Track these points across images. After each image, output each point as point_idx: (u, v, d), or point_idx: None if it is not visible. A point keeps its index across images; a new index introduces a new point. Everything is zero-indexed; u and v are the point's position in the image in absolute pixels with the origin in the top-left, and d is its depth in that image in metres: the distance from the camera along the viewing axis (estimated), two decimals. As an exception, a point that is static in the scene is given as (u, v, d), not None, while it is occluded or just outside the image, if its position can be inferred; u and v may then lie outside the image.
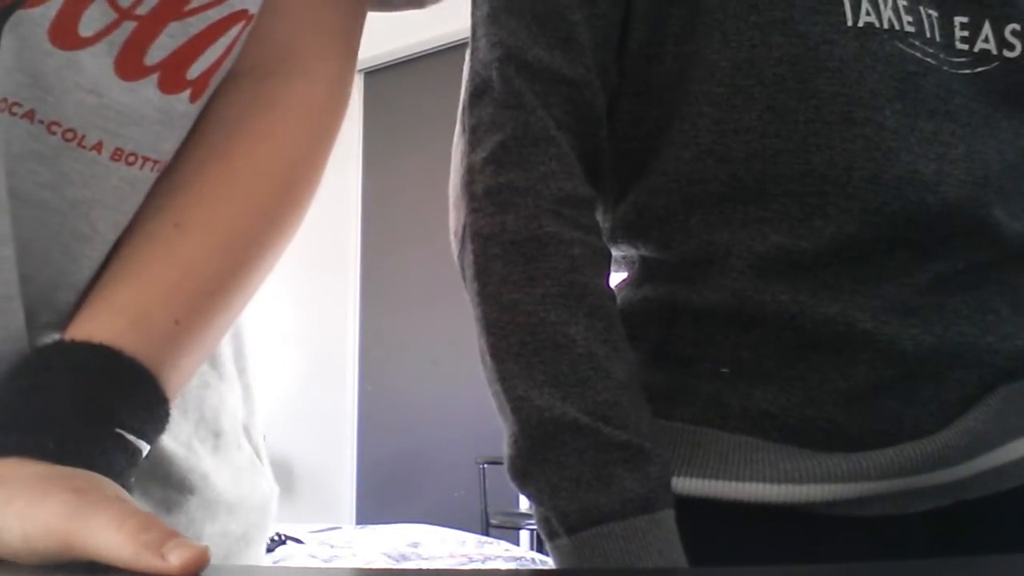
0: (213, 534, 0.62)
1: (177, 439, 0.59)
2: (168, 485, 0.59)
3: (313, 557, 2.70)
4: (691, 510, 0.57)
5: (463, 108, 0.62)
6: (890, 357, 0.58)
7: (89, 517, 0.41)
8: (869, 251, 0.59)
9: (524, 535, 3.95)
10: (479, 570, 0.50)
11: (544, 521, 0.55)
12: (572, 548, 0.53)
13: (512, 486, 0.57)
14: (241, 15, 0.52)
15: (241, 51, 0.55)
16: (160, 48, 0.51)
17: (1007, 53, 0.63)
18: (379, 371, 4.65)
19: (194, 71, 0.52)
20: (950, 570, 0.38)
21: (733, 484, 0.59)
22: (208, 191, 0.54)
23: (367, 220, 4.75)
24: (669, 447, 0.60)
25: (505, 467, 0.57)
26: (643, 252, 0.65)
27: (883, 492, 0.59)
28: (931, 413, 0.59)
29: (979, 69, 0.63)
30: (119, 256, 0.53)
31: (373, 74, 4.85)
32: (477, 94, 0.62)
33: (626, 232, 0.65)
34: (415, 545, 2.78)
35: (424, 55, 4.69)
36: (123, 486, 0.46)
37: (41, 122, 0.49)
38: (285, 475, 4.34)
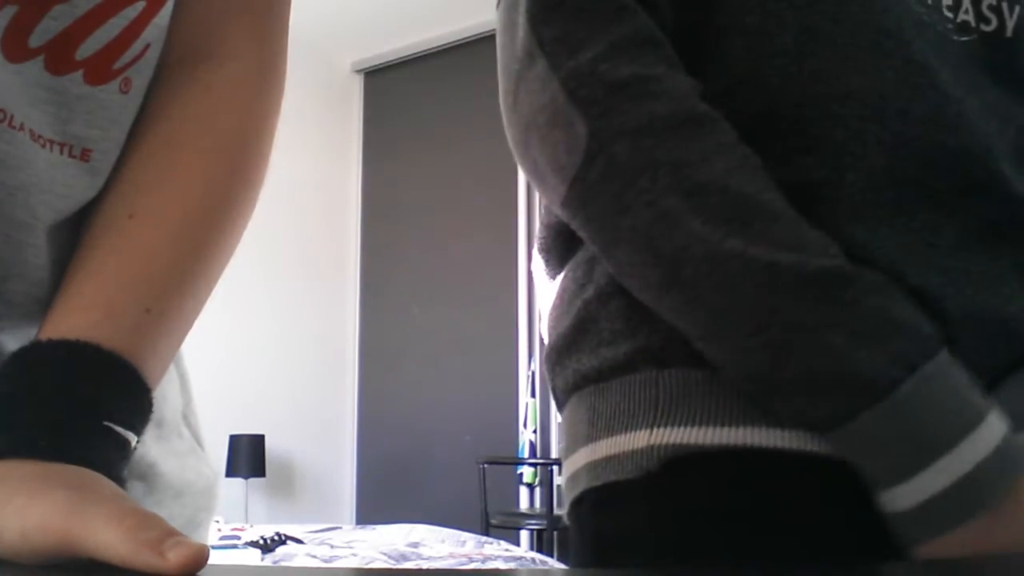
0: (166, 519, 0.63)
1: None
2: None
3: (313, 557, 2.70)
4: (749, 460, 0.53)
5: (531, 22, 0.57)
6: (938, 317, 0.55)
7: (87, 514, 0.41)
8: (899, 198, 0.57)
9: (524, 535, 3.95)
10: (479, 570, 0.49)
11: (838, 401, 0.49)
12: (897, 408, 0.48)
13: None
14: None
15: (171, 41, 0.56)
16: (45, 30, 0.51)
17: (983, 27, 0.62)
18: (379, 371, 4.65)
19: (83, 52, 0.52)
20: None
21: (775, 431, 0.54)
22: (156, 179, 0.54)
23: (367, 220, 4.75)
24: (721, 397, 0.55)
25: (751, 366, 0.51)
26: None
27: None
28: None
29: (963, 38, 0.62)
30: (80, 250, 0.54)
31: (373, 74, 4.85)
32: (553, 5, 0.56)
33: None
34: (415, 545, 2.78)
35: (424, 55, 4.69)
36: (116, 480, 0.47)
37: None
38: (285, 475, 4.33)
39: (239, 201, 0.57)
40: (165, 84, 0.57)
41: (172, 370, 0.66)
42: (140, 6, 0.53)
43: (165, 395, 0.64)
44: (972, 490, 0.47)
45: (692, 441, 0.56)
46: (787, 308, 0.50)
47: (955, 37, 0.61)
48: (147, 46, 0.55)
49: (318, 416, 4.58)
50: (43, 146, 0.52)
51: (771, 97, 0.57)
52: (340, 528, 3.35)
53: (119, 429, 0.48)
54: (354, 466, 4.60)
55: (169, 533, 0.40)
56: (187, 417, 0.68)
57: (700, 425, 0.56)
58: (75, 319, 0.50)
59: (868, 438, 0.49)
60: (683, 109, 0.53)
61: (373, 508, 4.42)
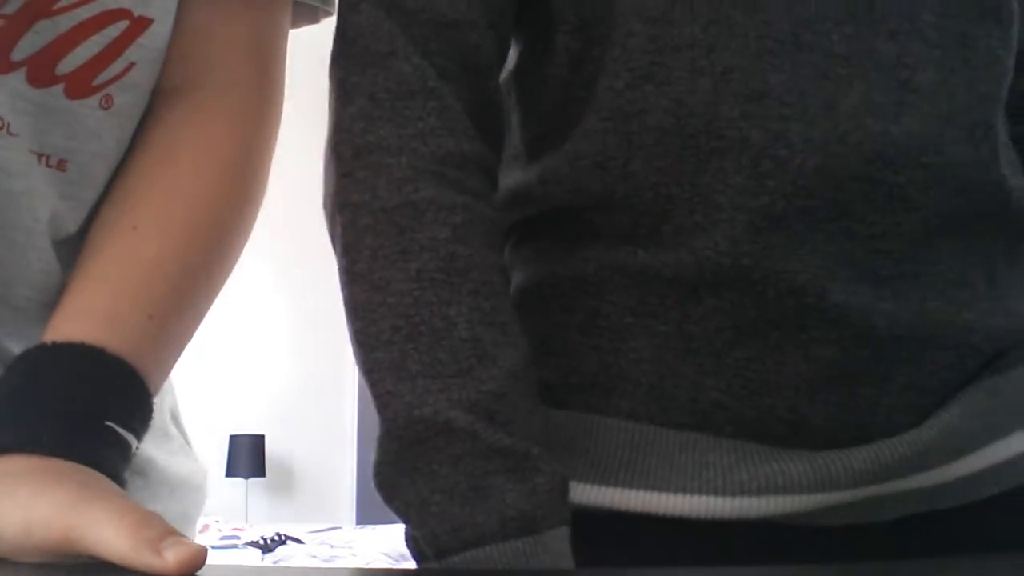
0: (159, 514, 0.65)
1: None
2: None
3: (313, 557, 2.70)
4: (631, 523, 0.51)
5: (332, 61, 0.55)
6: (862, 336, 0.51)
7: (89, 511, 0.41)
8: (843, 198, 0.52)
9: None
10: (479, 570, 0.49)
11: (412, 541, 0.48)
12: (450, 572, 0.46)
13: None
14: (119, 14, 0.54)
15: (172, 68, 0.58)
16: (28, 44, 0.52)
17: None
18: (379, 371, 4.64)
19: (64, 67, 0.54)
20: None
21: (680, 497, 0.52)
22: (159, 195, 0.56)
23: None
24: (604, 448, 0.53)
25: (371, 476, 0.50)
26: (579, 207, 0.56)
27: (850, 501, 0.52)
28: (907, 403, 0.52)
29: None
30: (83, 259, 0.55)
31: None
32: (346, 42, 0.54)
33: (558, 186, 0.56)
34: (415, 545, 2.76)
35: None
36: (116, 480, 0.47)
37: None
38: (285, 475, 4.33)
39: (239, 218, 0.59)
40: (167, 107, 0.58)
41: None
42: (123, 25, 0.54)
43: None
44: None
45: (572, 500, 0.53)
46: (387, 443, 0.48)
47: None
48: (131, 64, 0.56)
49: (318, 416, 4.58)
50: (30, 153, 0.53)
51: (680, 92, 0.52)
52: (340, 528, 3.34)
53: (121, 430, 0.48)
54: (354, 466, 4.60)
55: (168, 532, 0.40)
56: (175, 417, 0.69)
57: (579, 481, 0.54)
58: (78, 324, 0.50)
59: None
60: (404, 192, 0.50)
61: (373, 508, 4.42)
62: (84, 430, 0.47)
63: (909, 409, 0.52)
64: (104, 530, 0.40)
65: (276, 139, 0.62)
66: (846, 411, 0.52)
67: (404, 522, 0.48)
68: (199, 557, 0.39)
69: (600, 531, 0.50)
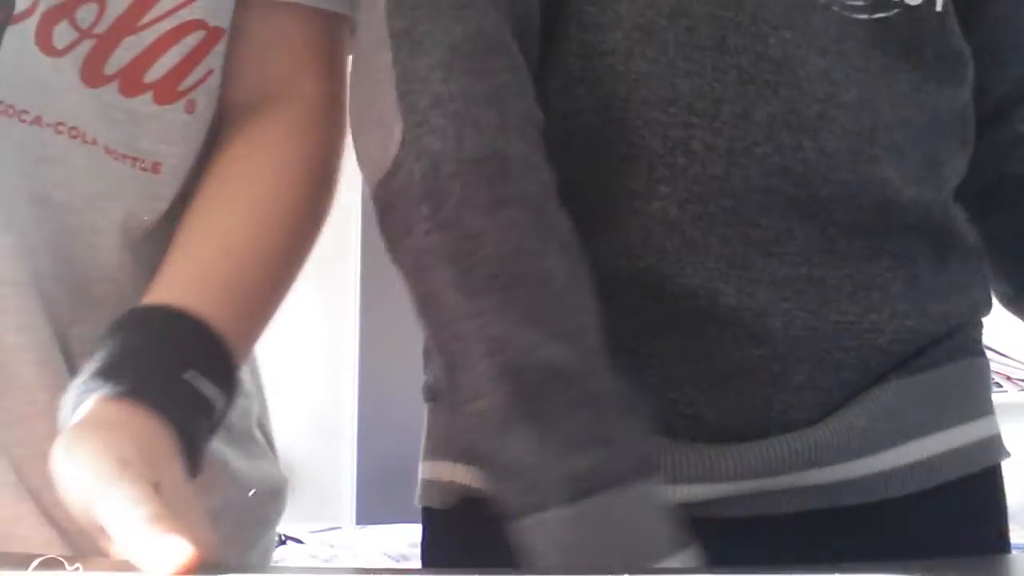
0: (232, 520, 0.67)
1: None
2: None
3: (313, 557, 2.70)
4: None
5: (386, 11, 0.54)
6: (757, 336, 0.53)
7: (113, 489, 0.44)
8: (738, 206, 0.53)
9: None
10: (479, 570, 0.49)
11: (522, 490, 0.47)
12: (568, 521, 0.46)
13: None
14: (195, 24, 0.59)
15: (250, 83, 0.64)
16: (118, 60, 0.58)
17: (909, 1, 0.58)
18: (379, 371, 4.64)
19: (151, 75, 0.59)
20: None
21: None
22: (244, 188, 0.61)
23: (367, 218, 4.73)
24: None
25: (462, 429, 0.49)
26: None
27: (744, 492, 0.54)
28: (804, 401, 0.54)
29: (878, 15, 0.57)
30: (174, 241, 0.59)
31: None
32: None
33: None
34: (415, 545, 2.76)
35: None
36: (189, 433, 0.50)
37: (48, 125, 0.57)
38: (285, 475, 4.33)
39: (313, 212, 0.65)
40: (249, 118, 0.64)
41: (246, 380, 0.72)
42: (200, 35, 0.60)
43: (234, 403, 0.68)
44: None
45: (479, 484, 0.55)
46: (500, 388, 0.47)
47: (862, 16, 0.56)
48: (210, 71, 0.61)
49: (318, 415, 4.58)
50: (116, 159, 0.59)
51: (604, 95, 0.54)
52: (340, 528, 3.34)
53: (198, 384, 0.52)
54: (354, 465, 4.60)
55: (172, 529, 0.41)
56: (262, 424, 0.76)
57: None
58: (163, 292, 0.56)
59: (540, 536, 0.46)
60: (494, 144, 0.50)
61: (374, 508, 4.41)
62: (161, 379, 0.51)
63: (806, 407, 0.54)
64: (117, 511, 0.43)
65: (344, 143, 0.66)
66: (742, 408, 0.54)
67: (512, 472, 0.47)
68: (191, 559, 0.40)
69: (497, 518, 0.50)
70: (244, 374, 0.71)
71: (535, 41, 0.56)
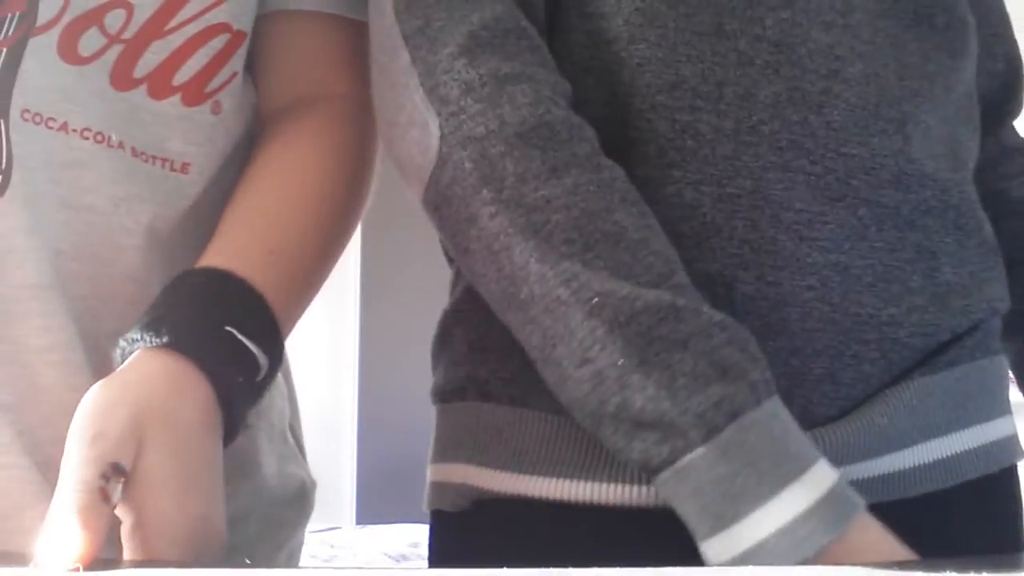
0: (262, 522, 0.69)
1: None
2: (225, 471, 0.62)
3: (313, 557, 2.69)
4: (548, 511, 0.52)
5: (396, 15, 0.55)
6: (773, 327, 0.53)
7: (67, 470, 0.45)
8: (761, 187, 0.53)
9: (525, 535, 3.94)
10: (480, 570, 0.49)
11: (658, 441, 0.45)
12: (715, 455, 0.44)
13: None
14: (220, 28, 0.61)
15: (283, 88, 0.66)
16: (146, 64, 0.60)
17: None
18: (379, 371, 4.64)
19: (179, 78, 0.61)
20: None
21: (593, 485, 0.53)
22: (284, 176, 0.63)
23: (368, 217, 4.73)
24: (526, 439, 0.54)
25: (578, 396, 0.47)
26: None
27: None
28: (824, 395, 0.54)
29: None
30: (224, 215, 0.61)
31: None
32: None
33: None
34: (415, 545, 2.77)
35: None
36: (226, 387, 0.52)
37: (75, 131, 0.58)
38: (285, 475, 4.33)
39: (349, 200, 0.67)
40: (284, 122, 0.66)
41: (281, 384, 0.74)
42: (225, 38, 0.61)
43: (274, 403, 0.72)
44: (790, 544, 0.43)
45: (495, 488, 0.54)
46: (611, 344, 0.46)
47: None
48: (234, 73, 0.63)
49: (318, 416, 4.57)
50: (144, 161, 0.60)
51: (610, 83, 0.54)
52: (340, 528, 3.34)
53: (240, 336, 0.53)
54: (354, 465, 4.60)
55: (82, 524, 0.42)
56: (293, 428, 0.77)
57: (501, 470, 0.55)
58: (210, 259, 0.58)
59: (685, 485, 0.45)
60: (536, 115, 0.50)
61: (374, 508, 4.41)
62: (200, 332, 0.52)
63: (826, 402, 0.54)
64: (61, 490, 0.44)
65: (377, 143, 0.70)
66: None
67: (641, 425, 0.46)
68: (75, 562, 0.40)
69: (517, 518, 0.50)
70: (279, 378, 0.72)
71: (543, 31, 0.56)
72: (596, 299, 0.47)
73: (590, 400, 0.47)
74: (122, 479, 0.47)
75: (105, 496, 0.45)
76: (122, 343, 0.53)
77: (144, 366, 0.51)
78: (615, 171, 0.51)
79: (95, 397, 0.49)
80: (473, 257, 0.52)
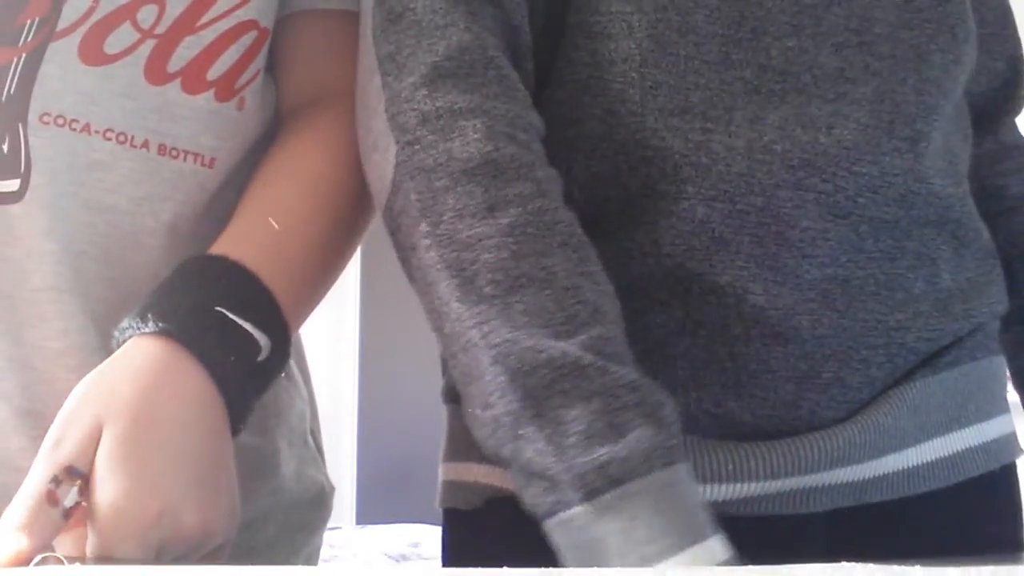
0: (279, 525, 0.69)
1: (257, 427, 0.65)
2: (243, 473, 0.61)
3: (313, 557, 2.69)
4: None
5: (373, 37, 0.56)
6: (784, 335, 0.53)
7: (27, 476, 0.46)
8: (771, 204, 0.53)
9: (525, 535, 3.94)
10: (481, 570, 0.49)
11: (544, 492, 0.46)
12: (592, 516, 0.44)
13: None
14: (249, 25, 0.62)
15: (303, 87, 0.67)
16: (179, 58, 0.61)
17: None
18: (379, 371, 4.64)
19: (213, 73, 0.62)
20: None
21: None
22: (295, 172, 0.63)
23: (367, 219, 4.74)
24: None
25: (481, 437, 0.49)
26: None
27: (773, 492, 0.54)
28: (832, 399, 0.54)
29: None
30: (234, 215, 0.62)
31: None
32: (393, 18, 0.55)
33: None
34: (415, 545, 2.77)
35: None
36: (220, 366, 0.51)
37: (97, 132, 0.59)
38: (285, 475, 4.32)
39: (361, 192, 0.64)
40: (300, 119, 0.66)
41: (301, 387, 0.76)
42: (253, 35, 0.63)
43: (294, 406, 0.72)
44: None
45: (508, 486, 0.54)
46: (511, 392, 0.47)
47: None
48: (259, 70, 0.64)
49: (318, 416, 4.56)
50: (174, 157, 0.61)
51: (611, 102, 0.54)
52: (340, 528, 3.34)
53: (232, 315, 0.53)
54: (354, 465, 4.60)
55: (20, 526, 0.43)
56: (313, 432, 0.76)
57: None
58: (213, 247, 0.58)
59: (566, 538, 0.45)
60: (483, 151, 0.50)
61: (373, 508, 4.41)
62: (190, 316, 0.52)
63: (834, 405, 0.54)
64: (25, 484, 0.45)
65: None
66: (770, 405, 0.54)
67: (531, 474, 0.46)
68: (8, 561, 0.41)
69: (530, 516, 0.50)
70: (298, 378, 0.74)
71: (527, 55, 0.56)
72: (502, 346, 0.47)
73: (490, 443, 0.48)
74: (77, 481, 0.47)
75: (53, 500, 0.45)
76: (116, 333, 0.53)
77: (130, 357, 0.51)
78: (558, 214, 0.51)
79: (72, 396, 0.49)
80: (415, 285, 0.53)
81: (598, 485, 0.45)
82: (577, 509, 0.45)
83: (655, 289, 0.54)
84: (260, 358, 0.54)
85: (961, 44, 0.59)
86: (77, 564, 0.43)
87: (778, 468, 0.53)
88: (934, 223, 0.57)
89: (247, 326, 0.53)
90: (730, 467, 0.53)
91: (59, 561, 0.43)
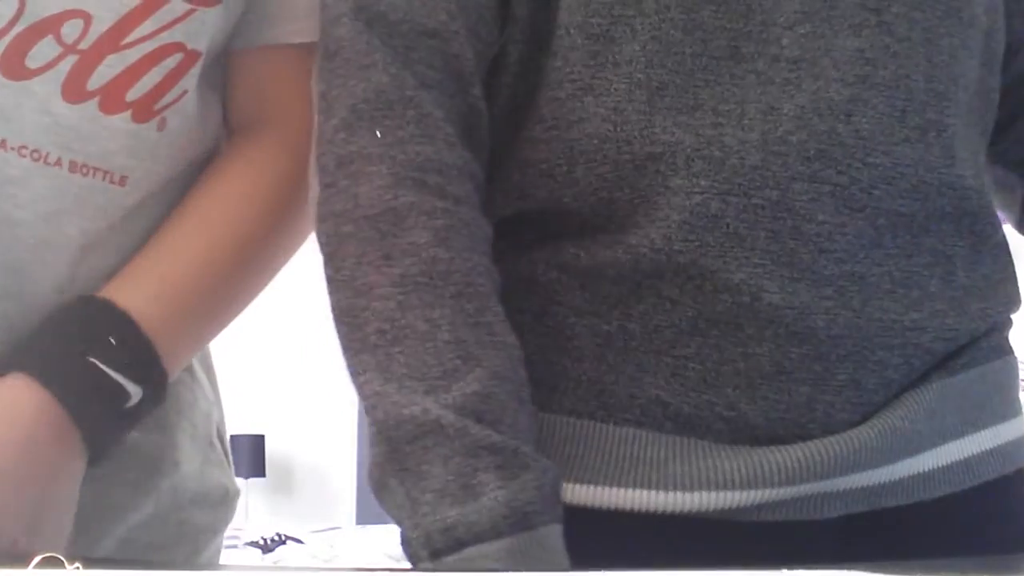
0: (180, 522, 0.68)
1: (156, 423, 0.65)
2: (142, 468, 0.65)
3: (313, 557, 2.70)
4: (575, 519, 0.50)
5: (314, 75, 0.56)
6: (798, 335, 0.52)
7: None
8: (786, 198, 0.52)
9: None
10: (479, 570, 0.49)
11: (406, 544, 0.47)
12: (465, 563, 0.45)
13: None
14: (174, 47, 0.61)
15: (245, 108, 0.67)
16: (100, 76, 0.60)
17: None
18: (379, 370, 4.64)
19: (132, 94, 0.61)
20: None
21: (613, 490, 0.53)
22: (209, 206, 0.64)
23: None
24: (546, 443, 0.53)
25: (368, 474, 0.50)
26: (528, 212, 0.58)
27: (787, 498, 0.52)
28: (847, 401, 0.53)
29: None
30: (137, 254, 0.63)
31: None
32: (328, 56, 0.55)
33: (507, 194, 0.58)
34: (416, 545, 2.76)
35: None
36: (93, 423, 0.54)
37: (12, 148, 0.58)
38: (285, 475, 4.33)
39: (278, 234, 0.66)
40: (236, 140, 0.67)
41: (206, 387, 0.75)
42: (179, 57, 0.62)
43: (198, 404, 0.72)
44: None
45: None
46: (380, 444, 0.49)
47: None
48: (185, 92, 0.63)
49: (318, 416, 4.57)
50: (84, 174, 0.60)
51: (617, 102, 0.53)
52: (340, 528, 3.34)
53: (105, 367, 0.54)
54: (354, 466, 4.60)
55: None
56: (220, 434, 0.75)
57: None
58: (105, 288, 0.59)
59: None
60: (384, 199, 0.51)
61: (373, 508, 4.41)
62: (59, 363, 0.54)
63: (849, 407, 0.53)
64: None
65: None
66: (784, 408, 0.52)
67: (397, 524, 0.48)
68: None
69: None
70: (202, 378, 0.74)
71: (472, 80, 0.55)
72: (372, 398, 0.49)
73: (370, 482, 0.50)
74: None
75: None
76: None
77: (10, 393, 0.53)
78: (454, 263, 0.51)
79: None
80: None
81: (441, 546, 0.45)
82: (427, 564, 0.46)
83: (666, 287, 0.53)
84: (129, 405, 0.56)
85: (966, 28, 0.58)
86: (77, 564, 0.43)
87: (792, 474, 0.52)
88: (951, 217, 0.56)
89: (118, 378, 0.55)
90: (743, 473, 0.52)
91: (59, 561, 0.43)
